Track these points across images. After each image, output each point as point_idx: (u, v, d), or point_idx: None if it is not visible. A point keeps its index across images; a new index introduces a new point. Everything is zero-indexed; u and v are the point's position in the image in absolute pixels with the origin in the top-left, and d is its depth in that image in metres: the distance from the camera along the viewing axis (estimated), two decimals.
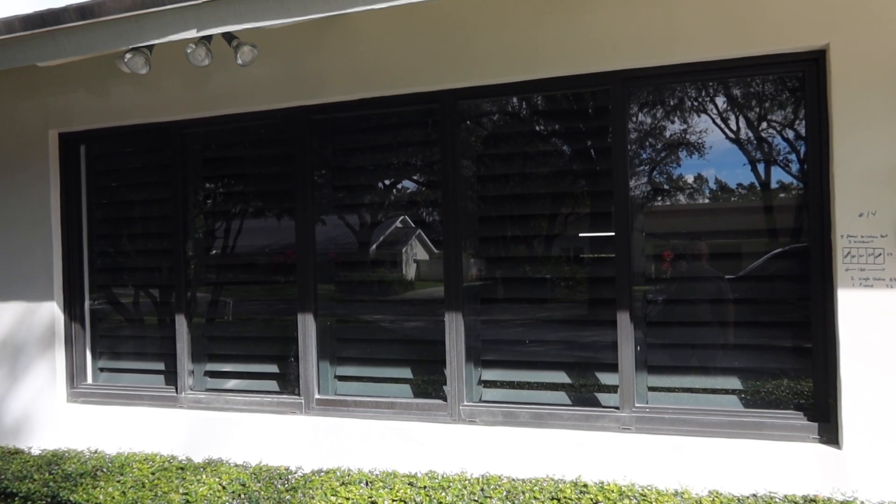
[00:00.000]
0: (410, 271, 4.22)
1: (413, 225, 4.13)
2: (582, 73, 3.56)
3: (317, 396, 4.03)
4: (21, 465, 3.61)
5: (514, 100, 3.86)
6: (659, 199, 3.62)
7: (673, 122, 3.60)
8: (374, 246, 4.18)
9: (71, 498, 3.20)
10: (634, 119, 3.62)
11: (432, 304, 4.02)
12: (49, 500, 3.26)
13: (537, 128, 3.82)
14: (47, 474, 3.45)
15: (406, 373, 4.03)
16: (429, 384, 3.97)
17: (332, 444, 3.87)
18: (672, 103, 3.60)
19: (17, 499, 3.33)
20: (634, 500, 2.75)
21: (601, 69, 3.53)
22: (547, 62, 3.57)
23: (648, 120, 3.65)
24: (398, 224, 4.16)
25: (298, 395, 4.07)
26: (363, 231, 4.20)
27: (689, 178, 3.58)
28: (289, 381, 4.20)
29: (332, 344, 4.13)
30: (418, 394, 3.97)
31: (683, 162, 3.58)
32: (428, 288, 4.10)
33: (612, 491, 2.84)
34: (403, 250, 4.20)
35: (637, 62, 3.45)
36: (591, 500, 2.76)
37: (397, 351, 4.10)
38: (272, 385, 4.25)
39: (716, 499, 2.78)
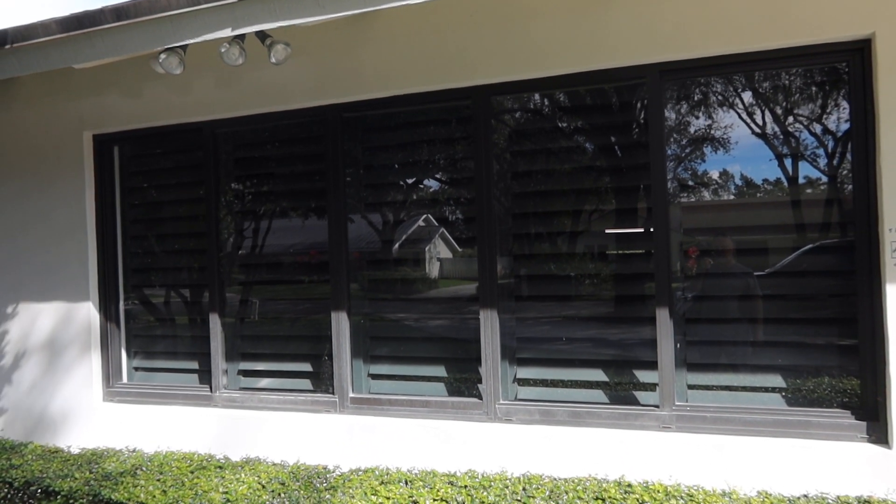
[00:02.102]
0: (436, 269, 4.20)
1: (436, 223, 4.10)
2: (617, 66, 3.51)
3: (351, 395, 4.02)
4: (62, 463, 3.64)
5: (548, 95, 3.82)
6: (697, 194, 3.56)
7: (708, 116, 3.53)
8: (399, 244, 4.16)
9: (112, 496, 3.22)
10: (671, 112, 3.56)
11: (462, 302, 4.01)
12: (90, 498, 3.28)
13: (571, 123, 3.77)
14: (88, 473, 3.48)
15: (439, 371, 4.01)
16: (462, 382, 3.95)
17: (368, 443, 3.86)
18: (710, 96, 3.53)
19: (59, 497, 3.36)
20: (682, 501, 2.70)
21: (637, 62, 3.47)
22: (581, 56, 3.52)
23: (686, 113, 3.58)
24: (422, 222, 4.14)
25: (332, 393, 4.06)
26: (390, 229, 4.18)
27: (728, 173, 3.51)
28: (322, 380, 4.19)
29: (364, 342, 4.12)
30: (452, 392, 3.94)
31: (718, 156, 3.51)
32: (457, 286, 4.08)
33: (658, 491, 2.79)
34: (427, 248, 4.19)
35: (674, 55, 3.39)
36: (637, 500, 2.72)
37: (429, 349, 4.07)
38: (305, 384, 4.25)
39: (765, 499, 2.72)
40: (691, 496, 2.74)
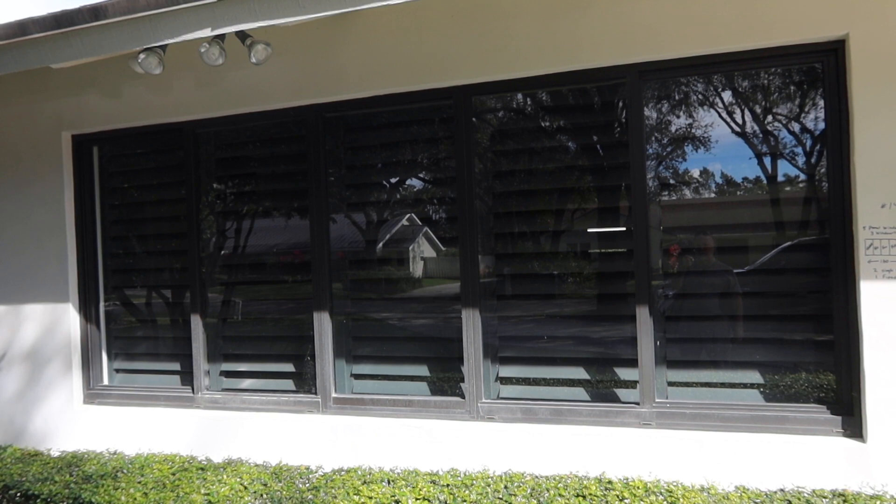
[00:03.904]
0: (419, 269, 4.21)
1: (419, 223, 4.11)
2: (596, 66, 3.54)
3: (334, 395, 4.02)
4: (41, 466, 3.60)
5: (529, 95, 3.84)
6: (675, 193, 3.60)
7: (689, 116, 3.57)
8: (382, 244, 4.17)
9: (93, 500, 3.19)
10: (651, 112, 3.59)
11: (445, 301, 4.01)
12: (71, 501, 3.26)
13: (552, 123, 3.79)
14: (68, 476, 3.45)
15: (421, 370, 4.02)
16: (444, 381, 3.96)
17: (351, 443, 3.86)
18: (687, 96, 3.57)
19: (38, 500, 3.32)
20: (661, 497, 2.73)
21: (616, 62, 3.50)
22: (561, 57, 3.54)
23: (665, 113, 3.62)
24: (406, 222, 4.15)
25: (315, 393, 4.06)
26: (374, 229, 4.18)
27: (707, 172, 3.55)
28: (305, 380, 4.19)
29: (347, 342, 4.12)
30: (435, 391, 3.95)
31: (698, 155, 3.55)
32: (439, 285, 4.09)
33: (638, 487, 2.82)
34: (411, 248, 4.19)
35: (652, 55, 3.43)
36: (617, 496, 2.74)
37: (412, 348, 4.08)
38: (288, 384, 4.25)
39: (743, 494, 2.76)
40: (670, 492, 2.78)
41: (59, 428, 4.57)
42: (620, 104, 3.64)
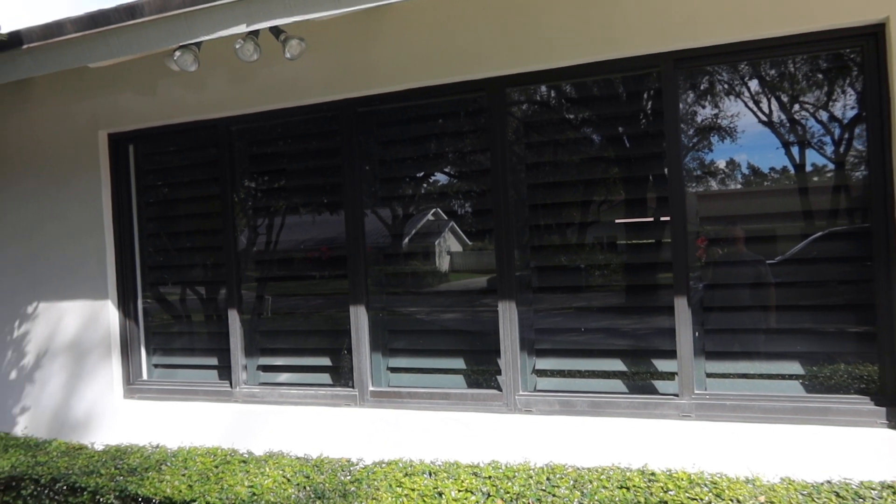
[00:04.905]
0: (450, 263, 4.21)
1: (445, 217, 4.12)
2: (631, 55, 3.51)
3: (371, 388, 4.05)
4: (87, 460, 3.67)
5: (562, 86, 3.81)
6: (713, 182, 3.56)
7: (724, 104, 3.52)
8: (413, 238, 4.17)
9: (139, 492, 3.25)
10: (686, 101, 3.55)
11: (478, 295, 4.02)
12: (117, 493, 3.32)
13: (585, 113, 3.77)
14: (113, 469, 3.51)
15: (457, 363, 4.03)
16: (479, 374, 3.97)
17: (389, 436, 3.89)
18: (723, 84, 3.52)
19: (85, 493, 3.39)
20: (706, 488, 2.71)
21: (651, 51, 3.47)
22: (595, 46, 3.51)
23: (701, 102, 3.58)
24: (435, 216, 4.15)
25: (352, 387, 4.09)
26: (407, 223, 4.19)
27: (743, 161, 3.51)
28: (341, 374, 4.22)
29: (383, 336, 4.14)
30: (470, 384, 3.96)
31: (734, 144, 3.50)
32: (470, 279, 4.10)
33: (682, 479, 2.81)
34: (438, 242, 4.20)
35: (688, 43, 3.38)
36: (662, 488, 2.73)
37: (447, 342, 4.09)
38: (324, 378, 4.28)
39: (789, 486, 2.73)
40: (715, 483, 2.76)
41: (100, 422, 4.66)
42: (655, 93, 3.60)
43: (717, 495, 2.66)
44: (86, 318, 4.71)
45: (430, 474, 3.11)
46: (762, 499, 2.62)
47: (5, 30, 3.78)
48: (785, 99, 3.41)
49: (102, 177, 4.67)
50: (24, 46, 3.82)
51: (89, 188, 4.68)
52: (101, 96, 4.65)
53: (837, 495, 2.65)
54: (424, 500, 2.83)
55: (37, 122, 4.90)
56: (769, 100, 3.45)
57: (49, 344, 4.86)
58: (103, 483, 3.38)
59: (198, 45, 3.70)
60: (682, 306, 3.46)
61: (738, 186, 3.52)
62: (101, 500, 3.35)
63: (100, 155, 4.67)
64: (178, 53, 3.68)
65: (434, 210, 4.15)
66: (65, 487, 3.48)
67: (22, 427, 4.93)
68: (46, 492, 3.53)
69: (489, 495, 2.84)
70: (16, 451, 3.94)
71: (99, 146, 4.68)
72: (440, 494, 2.87)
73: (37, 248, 4.88)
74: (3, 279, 5.02)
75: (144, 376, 4.75)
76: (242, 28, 3.42)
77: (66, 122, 4.78)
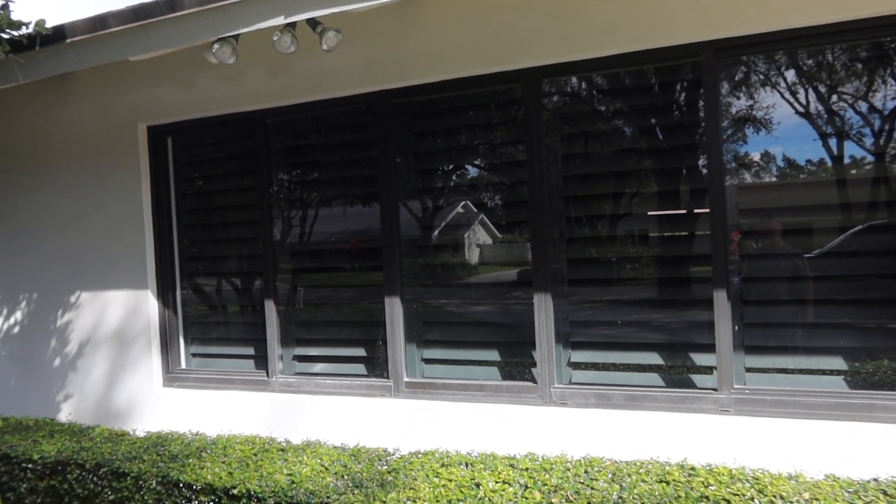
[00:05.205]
0: (486, 254, 4.20)
1: (475, 209, 4.10)
2: (670, 45, 3.44)
3: (406, 379, 4.07)
4: (129, 446, 3.76)
5: (599, 76, 3.76)
6: (755, 174, 3.49)
7: (767, 94, 3.44)
8: (444, 230, 4.17)
9: (180, 478, 3.32)
10: (727, 91, 3.48)
11: (512, 287, 4.01)
12: (159, 479, 3.39)
13: (623, 104, 3.72)
14: (155, 455, 3.58)
15: (490, 355, 4.02)
16: (513, 366, 3.96)
17: (424, 427, 3.90)
18: (767, 74, 3.45)
19: (129, 478, 3.47)
20: (747, 484, 2.67)
21: (692, 40, 3.40)
22: (633, 35, 3.46)
23: (742, 92, 3.50)
24: (469, 207, 4.13)
25: (387, 378, 4.11)
26: (441, 215, 4.19)
27: (784, 153, 3.43)
28: (376, 365, 4.24)
29: (417, 327, 4.15)
30: (504, 376, 3.95)
31: (777, 136, 3.43)
32: (505, 270, 4.09)
33: (722, 474, 2.77)
34: (466, 234, 4.19)
35: (730, 31, 3.31)
36: (702, 482, 2.70)
37: (480, 333, 4.09)
38: (359, 368, 4.31)
39: (834, 482, 2.68)
40: (757, 479, 2.72)
41: (141, 409, 4.76)
42: (694, 83, 3.54)
43: (760, 491, 2.62)
44: (127, 308, 4.81)
45: (467, 465, 3.11)
46: (806, 495, 2.57)
47: (49, 24, 3.85)
48: (823, 89, 3.33)
49: (142, 169, 4.75)
50: (68, 41, 3.89)
51: (129, 180, 4.77)
52: (140, 89, 4.73)
53: (885, 493, 2.59)
54: (462, 491, 2.84)
55: (79, 115, 4.99)
56: (807, 90, 3.36)
57: (91, 333, 4.98)
58: (146, 469, 3.45)
59: (236, 37, 3.74)
60: (721, 299, 3.41)
61: (777, 178, 3.44)
62: (144, 485, 3.43)
63: (139, 147, 4.75)
64: (216, 46, 3.72)
65: (464, 202, 4.14)
66: (109, 472, 3.56)
67: (66, 413, 5.06)
68: (91, 476, 3.61)
69: (527, 487, 2.84)
70: (61, 437, 4.05)
71: (138, 139, 4.76)
72: (478, 485, 2.87)
73: (79, 239, 4.99)
74: (48, 269, 5.15)
75: (183, 365, 4.84)
76: (280, 20, 3.45)
77: (107, 115, 4.86)
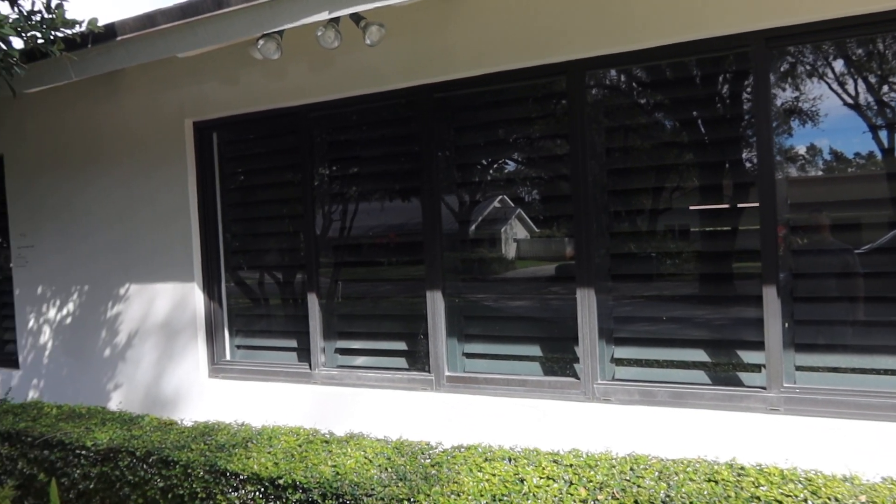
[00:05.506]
0: (518, 249, 4.17)
1: (512, 204, 4.07)
2: (719, 35, 3.36)
3: (447, 373, 4.07)
4: (177, 435, 3.84)
5: (645, 68, 3.69)
6: (801, 168, 3.39)
7: (814, 85, 3.33)
8: (489, 224, 4.15)
9: (228, 467, 3.38)
10: (778, 83, 3.38)
11: (553, 281, 3.98)
12: (207, 468, 3.46)
13: (669, 96, 3.64)
14: (203, 444, 3.66)
15: (531, 350, 4.00)
16: (554, 362, 3.93)
17: (465, 421, 3.91)
18: (813, 64, 3.34)
19: (178, 466, 3.55)
20: (800, 485, 2.61)
21: (742, 30, 3.31)
22: (681, 26, 3.38)
23: (789, 82, 3.40)
24: (506, 202, 4.11)
25: (428, 371, 4.12)
26: (482, 209, 4.17)
27: (830, 145, 3.32)
28: (417, 359, 4.26)
29: (458, 321, 4.15)
30: (546, 371, 3.93)
31: (826, 127, 3.32)
32: (538, 266, 4.06)
33: (773, 474, 2.71)
34: (504, 229, 4.16)
35: (782, 20, 3.21)
36: (752, 483, 2.64)
37: (521, 328, 4.07)
38: (400, 362, 4.33)
39: (893, 486, 2.60)
40: (810, 480, 2.65)
41: (187, 399, 4.87)
42: (743, 75, 3.45)
43: (813, 493, 2.55)
44: (174, 300, 4.91)
45: (510, 460, 3.10)
46: (863, 498, 2.50)
47: (99, 23, 3.94)
48: (874, 79, 3.21)
49: (188, 164, 4.84)
50: (119, 38, 3.98)
51: (176, 175, 4.86)
52: (186, 86, 4.81)
53: None
54: (506, 486, 2.83)
55: (127, 111, 5.11)
56: (856, 80, 3.25)
57: (140, 324, 5.10)
58: (194, 458, 3.53)
59: (280, 33, 3.78)
60: (770, 296, 3.32)
61: (825, 172, 3.34)
62: (192, 473, 3.50)
63: (185, 143, 4.84)
64: (261, 42, 3.77)
65: (500, 197, 4.12)
66: (158, 461, 3.65)
67: (116, 402, 5.20)
68: (141, 464, 3.71)
69: (571, 483, 2.82)
70: (112, 425, 4.16)
71: (185, 134, 4.84)
72: (522, 481, 2.86)
73: (128, 233, 5.12)
74: (99, 261, 5.29)
75: (228, 357, 4.93)
76: (325, 15, 3.47)
77: (155, 111, 4.97)
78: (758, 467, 2.80)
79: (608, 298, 3.75)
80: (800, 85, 3.37)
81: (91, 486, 3.93)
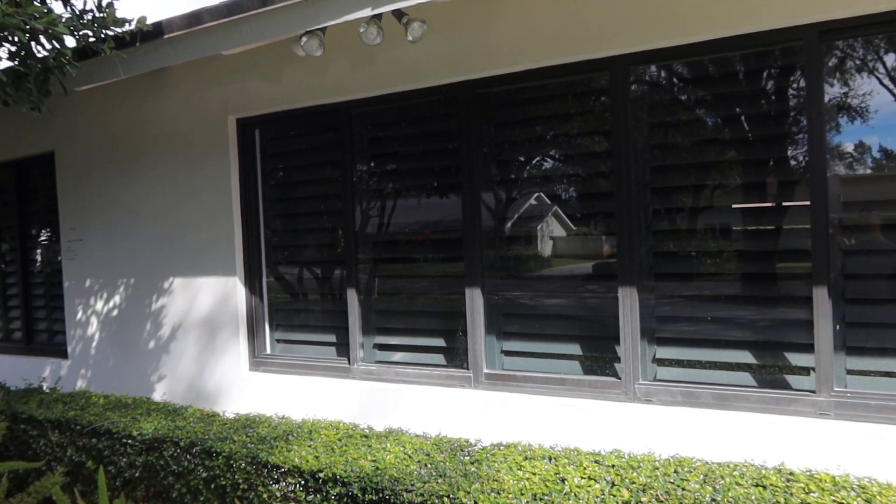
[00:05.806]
0: (554, 247, 4.13)
1: (548, 201, 4.03)
2: (768, 29, 3.27)
3: (485, 371, 4.06)
4: (220, 427, 3.90)
5: (691, 63, 3.62)
6: (851, 165, 3.28)
7: (867, 80, 3.22)
8: (529, 221, 4.12)
9: (269, 460, 3.42)
10: (831, 78, 3.28)
11: (585, 280, 3.96)
12: (249, 460, 3.51)
13: (716, 92, 3.56)
14: (245, 437, 3.71)
15: (570, 349, 3.96)
16: (593, 361, 3.88)
17: (503, 419, 3.89)
18: (867, 59, 3.23)
19: (220, 457, 3.61)
20: (853, 493, 2.52)
21: (792, 23, 3.22)
22: (728, 19, 3.30)
23: (841, 77, 3.29)
24: (543, 199, 4.06)
25: (467, 368, 4.11)
26: (512, 206, 4.14)
27: (884, 143, 3.21)
28: (455, 355, 4.25)
29: (497, 319, 4.13)
30: (586, 371, 3.88)
31: (875, 124, 3.21)
32: (575, 264, 4.01)
33: (824, 480, 2.63)
34: (540, 227, 4.12)
35: (836, 12, 3.11)
36: (802, 489, 2.57)
37: (559, 326, 4.03)
38: (438, 358, 4.33)
39: None
40: (863, 488, 2.56)
41: (229, 392, 4.95)
42: (794, 69, 3.36)
43: (867, 501, 2.47)
44: (217, 295, 4.99)
45: (551, 459, 3.08)
46: None
47: (147, 21, 4.02)
48: None
49: (231, 160, 4.91)
50: (166, 36, 4.06)
51: (220, 171, 4.94)
52: (230, 83, 4.88)
53: None
54: (547, 485, 2.81)
55: (172, 108, 5.21)
56: None
57: (183, 318, 5.20)
58: (236, 449, 3.58)
59: (323, 30, 3.81)
60: (821, 297, 3.23)
61: (879, 170, 3.23)
62: (234, 464, 3.55)
63: (229, 139, 4.91)
64: (304, 39, 3.80)
65: (537, 194, 4.08)
66: (201, 451, 3.71)
67: (160, 393, 5.32)
68: (185, 455, 3.78)
69: (613, 484, 2.78)
70: (157, 416, 4.25)
71: (228, 131, 4.91)
72: (563, 480, 2.83)
73: (172, 229, 5.22)
74: (143, 257, 5.41)
75: (268, 351, 4.99)
76: (367, 12, 3.48)
77: (199, 108, 5.05)
78: (808, 473, 2.72)
79: (650, 297, 3.69)
80: (849, 80, 3.26)
81: (136, 474, 4.02)
